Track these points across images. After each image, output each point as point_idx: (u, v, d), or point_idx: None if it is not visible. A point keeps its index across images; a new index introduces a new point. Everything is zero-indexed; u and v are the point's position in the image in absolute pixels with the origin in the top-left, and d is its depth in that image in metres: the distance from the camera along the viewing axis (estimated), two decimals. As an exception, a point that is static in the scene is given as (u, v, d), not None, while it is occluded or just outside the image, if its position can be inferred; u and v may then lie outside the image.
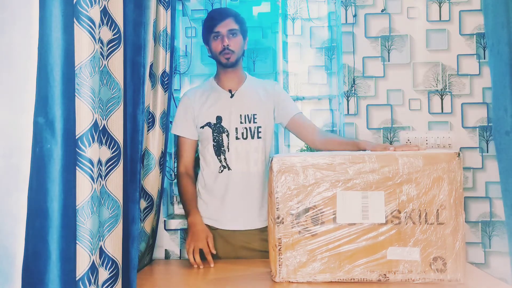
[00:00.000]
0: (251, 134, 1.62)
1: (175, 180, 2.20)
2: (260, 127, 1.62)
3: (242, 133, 1.61)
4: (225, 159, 1.61)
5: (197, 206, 1.62)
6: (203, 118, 1.63)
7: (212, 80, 1.72)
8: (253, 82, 1.73)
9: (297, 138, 1.78)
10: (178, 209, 2.23)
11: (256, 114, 1.63)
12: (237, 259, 1.57)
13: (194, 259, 1.46)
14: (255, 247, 1.58)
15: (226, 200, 1.60)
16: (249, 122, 1.62)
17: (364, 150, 1.45)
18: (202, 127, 1.63)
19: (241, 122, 1.62)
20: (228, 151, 1.61)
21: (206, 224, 1.61)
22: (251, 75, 1.80)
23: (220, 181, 1.61)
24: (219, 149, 1.61)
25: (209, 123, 1.62)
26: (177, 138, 1.69)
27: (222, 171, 1.61)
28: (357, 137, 2.03)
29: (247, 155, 1.60)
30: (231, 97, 1.65)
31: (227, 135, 1.61)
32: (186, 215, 1.60)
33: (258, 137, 1.62)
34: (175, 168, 2.15)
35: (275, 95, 1.71)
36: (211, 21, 1.62)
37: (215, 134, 1.62)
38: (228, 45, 1.58)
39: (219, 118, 1.62)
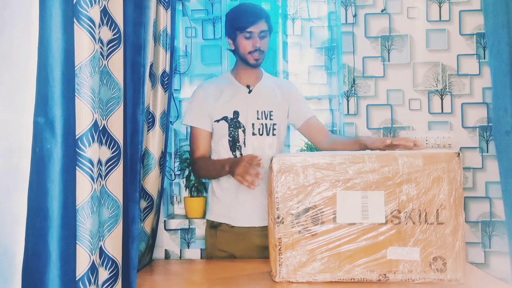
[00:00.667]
0: (266, 131, 1.61)
1: (175, 180, 2.20)
2: (275, 124, 1.62)
3: (259, 129, 1.61)
4: (241, 154, 1.58)
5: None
6: (219, 111, 1.60)
7: (229, 74, 1.69)
8: (269, 79, 1.73)
9: (307, 139, 1.78)
10: (178, 209, 2.23)
11: (272, 111, 1.63)
12: (237, 259, 1.56)
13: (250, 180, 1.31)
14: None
15: (242, 197, 1.58)
16: (266, 119, 1.62)
17: (365, 145, 1.47)
18: (218, 120, 1.60)
19: (258, 118, 1.61)
20: (245, 146, 1.59)
21: (220, 222, 1.60)
22: None
23: None
24: (234, 144, 1.60)
25: (226, 117, 1.60)
26: (191, 130, 1.65)
27: None
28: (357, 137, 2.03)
29: (262, 152, 1.58)
30: (249, 92, 1.63)
31: (243, 131, 1.60)
32: (222, 172, 1.48)
33: (273, 134, 1.62)
34: (175, 168, 2.16)
35: (291, 95, 1.71)
36: (244, 19, 1.57)
37: (231, 129, 1.60)
38: (260, 46, 1.57)
39: (236, 113, 1.60)
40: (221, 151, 1.61)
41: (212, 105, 1.61)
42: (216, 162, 1.57)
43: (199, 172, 1.64)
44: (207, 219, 1.67)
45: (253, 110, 1.61)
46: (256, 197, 1.57)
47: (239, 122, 1.60)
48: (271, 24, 1.65)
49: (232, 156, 1.59)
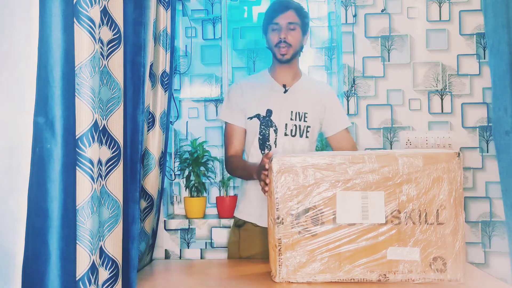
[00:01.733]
0: (299, 132, 1.58)
1: (175, 180, 2.20)
2: (309, 126, 1.59)
3: (291, 130, 1.57)
4: None
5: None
6: (252, 109, 1.58)
7: (267, 72, 1.67)
8: (308, 81, 1.69)
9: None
10: (178, 209, 2.23)
11: (307, 113, 1.59)
12: (238, 259, 1.56)
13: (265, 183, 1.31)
14: None
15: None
16: (300, 120, 1.58)
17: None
18: (251, 118, 1.58)
19: (291, 119, 1.58)
20: (275, 146, 1.56)
21: (247, 221, 1.58)
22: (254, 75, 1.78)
23: None
24: (264, 143, 1.57)
25: (258, 115, 1.58)
26: (225, 126, 1.64)
27: None
28: (357, 137, 2.03)
29: (293, 153, 1.55)
30: (285, 92, 1.60)
31: (275, 130, 1.57)
32: (251, 178, 1.46)
33: (306, 136, 1.58)
34: (175, 168, 2.16)
35: (329, 101, 1.65)
36: (272, 12, 1.57)
37: (262, 127, 1.57)
38: (285, 38, 1.53)
39: (269, 112, 1.58)
40: (251, 148, 1.59)
41: (247, 102, 1.59)
42: (247, 167, 1.52)
43: (233, 172, 1.60)
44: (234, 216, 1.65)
45: (287, 110, 1.58)
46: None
47: (271, 121, 1.57)
48: (307, 20, 1.60)
49: (261, 155, 1.55)
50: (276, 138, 1.56)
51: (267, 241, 1.54)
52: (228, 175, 2.01)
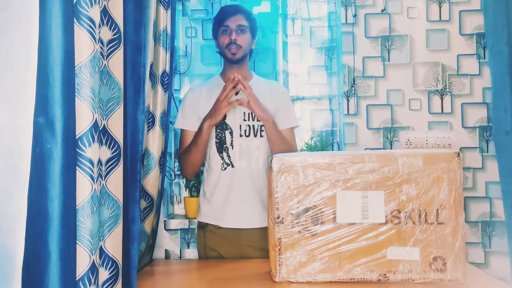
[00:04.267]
0: (253, 132, 1.61)
1: (175, 180, 2.20)
2: (263, 125, 1.61)
3: (245, 130, 1.61)
4: (228, 156, 1.60)
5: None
6: (206, 113, 1.61)
7: (218, 76, 1.72)
8: (259, 81, 1.73)
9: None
10: (178, 209, 2.23)
11: None
12: (237, 259, 1.57)
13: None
14: (259, 246, 1.57)
15: (230, 198, 1.58)
16: (253, 120, 1.62)
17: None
18: None
19: (244, 120, 1.61)
20: (232, 148, 1.60)
21: (209, 224, 1.61)
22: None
23: (224, 178, 1.60)
24: (221, 146, 1.61)
25: None
26: (181, 133, 1.68)
27: (225, 168, 1.60)
28: (357, 137, 2.03)
29: (249, 153, 1.60)
30: (236, 94, 1.63)
31: (230, 132, 1.60)
32: (203, 135, 1.55)
33: (261, 136, 1.62)
34: (175, 168, 2.16)
35: (280, 99, 1.70)
36: (222, 15, 1.63)
37: (218, 130, 1.61)
38: (235, 39, 1.59)
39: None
40: (210, 152, 1.62)
41: (201, 107, 1.63)
42: (198, 131, 1.58)
43: (185, 162, 1.62)
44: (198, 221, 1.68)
45: (240, 111, 1.61)
46: (247, 196, 1.58)
47: (226, 123, 1.61)
48: (255, 25, 1.67)
49: (219, 158, 1.60)
50: (232, 140, 1.60)
51: (234, 242, 1.57)
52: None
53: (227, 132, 1.61)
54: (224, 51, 1.62)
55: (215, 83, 1.69)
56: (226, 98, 1.50)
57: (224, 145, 1.61)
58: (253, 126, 1.62)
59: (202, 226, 1.65)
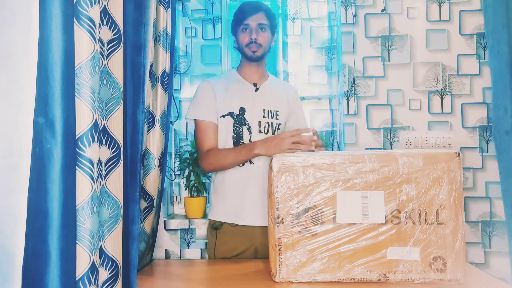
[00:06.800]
0: (272, 130, 1.61)
1: (175, 180, 2.20)
2: (280, 124, 1.63)
3: (264, 127, 1.60)
4: None
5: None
6: (225, 106, 1.59)
7: (235, 71, 1.69)
8: (275, 80, 1.74)
9: None
10: (178, 209, 2.23)
11: (278, 111, 1.64)
12: (237, 259, 1.56)
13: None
14: None
15: (247, 195, 1.56)
16: (272, 118, 1.62)
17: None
18: (224, 116, 1.59)
19: (263, 117, 1.61)
20: None
21: (224, 222, 1.59)
22: None
23: (241, 175, 1.56)
24: (238, 141, 1.58)
25: (232, 113, 1.59)
26: (196, 125, 1.62)
27: (243, 164, 1.56)
28: (357, 137, 2.03)
29: None
30: (256, 90, 1.63)
31: (248, 128, 1.59)
32: (248, 154, 1.48)
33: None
34: (175, 168, 2.16)
35: (294, 105, 1.71)
36: (242, 13, 1.61)
37: (236, 125, 1.59)
38: (256, 38, 1.58)
39: (242, 110, 1.59)
40: (225, 147, 1.59)
41: (219, 99, 1.60)
42: (244, 146, 1.52)
43: (220, 160, 1.54)
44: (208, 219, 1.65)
45: (259, 108, 1.61)
46: (264, 193, 1.54)
47: (244, 119, 1.59)
48: (275, 22, 1.65)
49: None
50: (250, 136, 1.58)
51: (250, 239, 1.56)
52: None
53: (244, 128, 1.59)
54: (244, 49, 1.61)
55: (232, 78, 1.67)
56: (293, 140, 1.40)
57: (241, 141, 1.58)
58: (272, 123, 1.62)
59: (215, 225, 1.61)
